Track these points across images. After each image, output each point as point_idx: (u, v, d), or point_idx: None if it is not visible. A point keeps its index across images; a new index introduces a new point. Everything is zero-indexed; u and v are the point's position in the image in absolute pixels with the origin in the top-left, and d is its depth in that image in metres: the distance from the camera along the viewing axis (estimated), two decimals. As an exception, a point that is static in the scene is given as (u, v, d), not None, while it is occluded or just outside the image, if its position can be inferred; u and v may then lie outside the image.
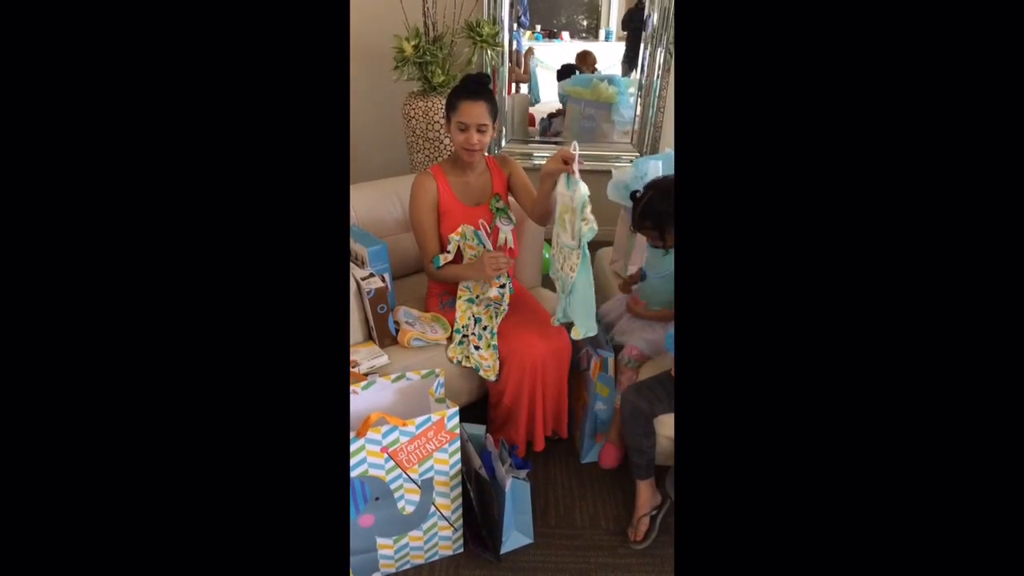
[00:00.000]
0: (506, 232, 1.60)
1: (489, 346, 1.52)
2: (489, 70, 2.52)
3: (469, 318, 1.56)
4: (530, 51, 2.76)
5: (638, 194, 1.48)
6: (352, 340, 1.51)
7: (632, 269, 1.79)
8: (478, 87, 1.50)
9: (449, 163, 1.61)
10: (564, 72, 2.83)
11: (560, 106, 2.88)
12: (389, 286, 1.50)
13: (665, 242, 1.44)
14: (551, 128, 2.90)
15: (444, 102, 2.20)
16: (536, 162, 2.76)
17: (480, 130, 1.48)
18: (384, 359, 1.46)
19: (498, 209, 1.60)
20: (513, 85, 2.69)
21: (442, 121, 2.22)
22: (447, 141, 2.26)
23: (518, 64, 2.71)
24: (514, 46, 2.59)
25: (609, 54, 2.76)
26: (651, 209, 1.43)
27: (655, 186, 1.46)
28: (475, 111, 1.47)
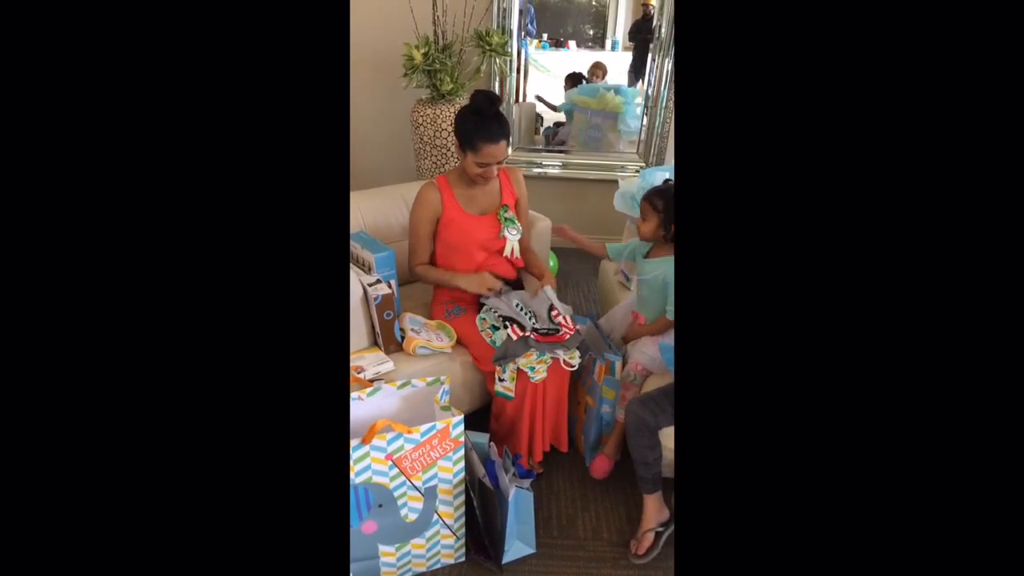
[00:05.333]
0: (513, 242, 1.61)
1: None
2: (498, 79, 2.54)
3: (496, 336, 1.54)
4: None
5: (668, 180, 1.51)
6: (358, 346, 1.51)
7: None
8: (498, 128, 1.45)
9: (456, 175, 1.60)
10: (572, 81, 2.84)
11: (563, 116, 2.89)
12: (395, 292, 1.50)
13: (665, 232, 1.46)
14: (556, 136, 2.92)
15: (452, 110, 2.22)
16: (541, 170, 2.77)
17: (498, 163, 1.50)
18: (390, 365, 1.47)
19: (506, 219, 1.60)
20: (520, 93, 2.71)
21: (450, 129, 2.23)
22: (454, 148, 2.27)
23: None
24: (522, 55, 2.60)
25: (615, 64, 2.78)
26: (671, 196, 1.44)
27: None
28: (496, 152, 1.47)
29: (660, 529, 1.42)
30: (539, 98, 2.81)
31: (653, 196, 1.46)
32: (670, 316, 1.49)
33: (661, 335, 1.54)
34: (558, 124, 2.92)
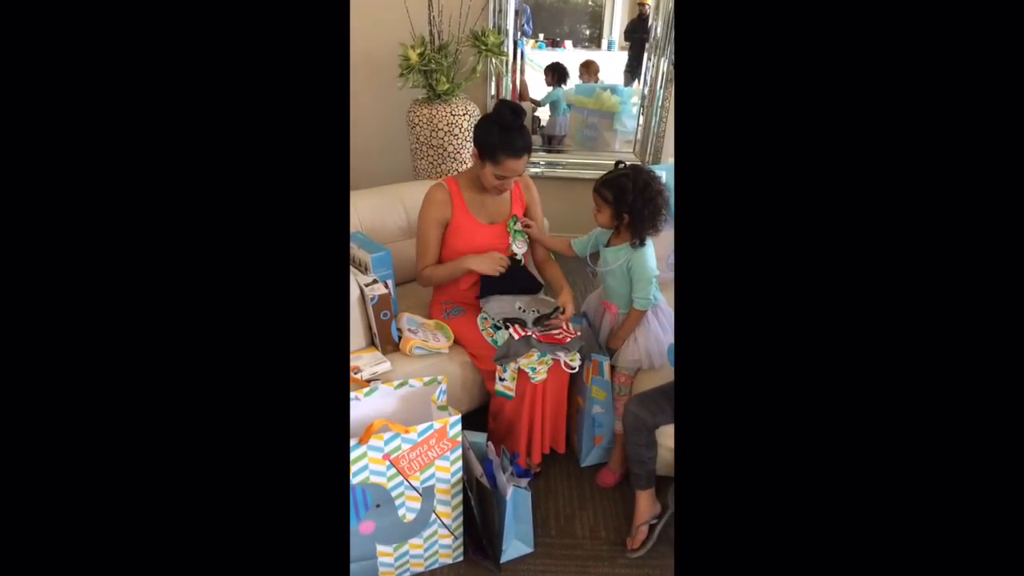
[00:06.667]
0: (520, 255, 1.60)
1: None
2: (494, 78, 2.54)
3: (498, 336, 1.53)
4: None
5: (621, 165, 1.45)
6: (355, 346, 1.51)
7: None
8: (522, 143, 1.43)
9: (468, 179, 1.57)
10: (554, 73, 2.75)
11: (548, 112, 2.83)
12: (392, 292, 1.50)
13: (619, 222, 1.43)
14: (543, 131, 2.89)
15: (448, 110, 2.22)
16: (538, 170, 2.77)
17: (517, 175, 1.49)
18: (386, 365, 1.47)
19: (515, 231, 1.59)
20: (517, 92, 2.70)
21: (446, 129, 2.23)
22: (450, 148, 2.27)
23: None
24: (518, 55, 2.60)
25: (612, 64, 2.78)
26: (619, 185, 1.39)
27: (638, 170, 1.42)
28: (518, 167, 1.46)
29: (653, 522, 1.43)
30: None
31: (601, 187, 1.43)
32: (636, 305, 1.47)
33: (635, 331, 1.51)
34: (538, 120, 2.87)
